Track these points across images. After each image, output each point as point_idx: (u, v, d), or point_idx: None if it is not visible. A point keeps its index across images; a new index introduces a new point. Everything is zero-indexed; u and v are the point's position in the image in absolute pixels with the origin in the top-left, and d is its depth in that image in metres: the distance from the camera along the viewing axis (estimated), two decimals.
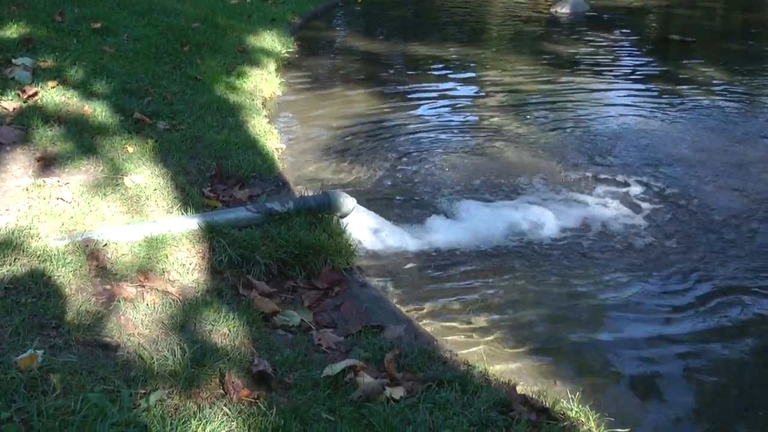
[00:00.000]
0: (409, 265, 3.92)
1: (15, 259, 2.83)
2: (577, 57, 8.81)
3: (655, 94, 7.36)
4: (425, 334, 3.15)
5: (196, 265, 3.19)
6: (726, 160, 5.49)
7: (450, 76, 7.92)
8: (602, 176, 5.10)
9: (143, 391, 2.25)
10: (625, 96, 7.29)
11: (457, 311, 3.52)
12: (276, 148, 5.11)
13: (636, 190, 4.87)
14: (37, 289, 2.68)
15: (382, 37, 10.28)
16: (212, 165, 4.31)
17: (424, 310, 3.52)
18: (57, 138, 3.99)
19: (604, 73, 8.19)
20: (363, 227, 4.02)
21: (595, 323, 3.50)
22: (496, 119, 6.41)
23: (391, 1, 12.65)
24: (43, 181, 3.53)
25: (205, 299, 2.95)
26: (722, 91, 7.39)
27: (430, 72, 8.04)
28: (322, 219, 3.72)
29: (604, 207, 4.61)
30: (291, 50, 8.29)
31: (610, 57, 8.95)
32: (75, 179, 3.63)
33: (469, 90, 7.55)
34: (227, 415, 2.26)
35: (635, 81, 7.95)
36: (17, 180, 3.54)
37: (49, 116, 4.20)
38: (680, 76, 8.05)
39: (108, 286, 2.84)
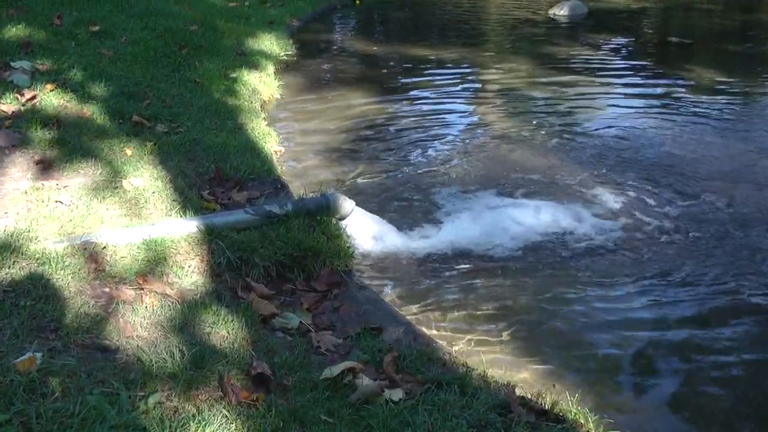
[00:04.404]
0: (407, 267, 3.92)
1: (14, 262, 2.82)
2: (576, 59, 8.82)
3: (654, 96, 7.37)
4: (424, 336, 3.16)
5: (194, 267, 3.19)
6: (726, 161, 5.49)
7: (449, 78, 7.92)
8: (602, 178, 5.10)
9: (142, 394, 2.25)
10: (623, 98, 7.29)
11: (456, 313, 3.52)
12: (275, 151, 5.11)
13: (636, 192, 4.87)
14: (36, 292, 2.68)
15: (381, 40, 10.30)
16: (211, 167, 4.31)
17: (423, 312, 3.52)
18: (55, 141, 3.99)
19: (603, 75, 8.19)
20: (362, 229, 4.02)
21: (595, 325, 3.50)
22: (495, 121, 6.42)
23: (390, 4, 12.66)
24: (42, 184, 3.53)
25: (203, 301, 2.95)
26: (721, 93, 7.39)
27: (428, 74, 8.05)
28: (321, 221, 3.73)
29: (604, 209, 4.61)
30: (289, 53, 8.30)
31: (609, 59, 8.95)
32: (74, 182, 3.63)
33: (469, 92, 7.56)
34: (226, 417, 2.26)
35: (633, 83, 7.95)
36: (16, 183, 3.54)
37: (47, 119, 4.20)
38: (679, 78, 8.06)
39: (107, 289, 2.84)
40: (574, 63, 8.64)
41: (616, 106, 7.01)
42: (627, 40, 10.24)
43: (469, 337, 3.34)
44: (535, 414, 2.55)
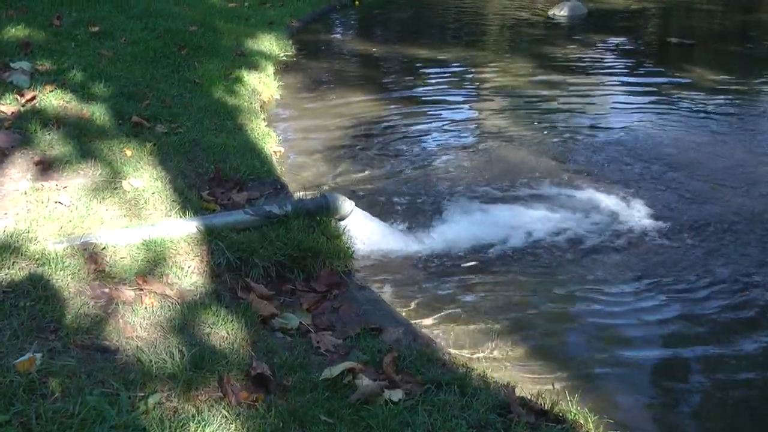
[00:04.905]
0: (407, 268, 3.92)
1: (14, 262, 2.83)
2: (576, 60, 8.82)
3: (654, 96, 7.36)
4: (424, 336, 3.16)
5: (194, 268, 3.19)
6: (726, 162, 5.49)
7: (449, 78, 7.93)
8: (603, 179, 5.10)
9: (142, 394, 2.25)
10: (624, 99, 7.30)
11: (456, 313, 3.52)
12: (274, 151, 5.12)
13: (636, 193, 4.87)
14: (36, 293, 2.68)
15: (381, 40, 10.30)
16: (211, 168, 4.31)
17: (423, 312, 3.52)
18: (55, 142, 4.00)
19: (603, 75, 8.20)
20: (361, 230, 4.02)
21: (594, 325, 3.50)
22: (494, 121, 6.42)
23: (390, 4, 12.66)
24: (42, 184, 3.53)
25: (203, 302, 2.95)
26: (722, 94, 7.39)
27: (428, 74, 8.05)
28: (321, 222, 3.73)
29: (604, 210, 4.61)
30: (289, 53, 8.30)
31: (609, 60, 8.96)
32: (73, 183, 3.63)
33: (468, 92, 7.56)
34: (226, 417, 2.26)
35: (634, 83, 7.96)
36: (16, 184, 3.54)
37: (47, 120, 4.20)
38: (679, 78, 8.06)
39: (107, 290, 2.84)
40: (574, 63, 8.64)
41: (616, 106, 7.02)
42: (627, 40, 10.23)
43: (468, 337, 3.34)
44: (535, 414, 2.55)
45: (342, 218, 3.87)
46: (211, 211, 3.76)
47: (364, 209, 4.18)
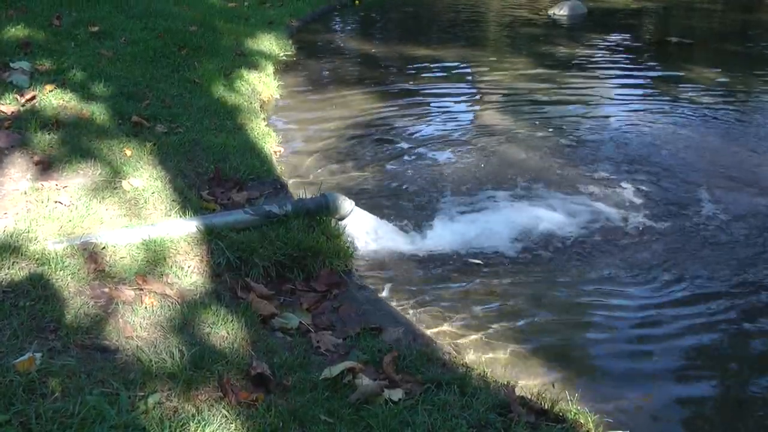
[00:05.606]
0: (407, 267, 3.92)
1: (13, 262, 2.83)
2: (576, 59, 8.82)
3: (654, 96, 7.36)
4: (424, 336, 3.16)
5: (194, 267, 3.19)
6: (726, 161, 5.48)
7: (449, 78, 7.93)
8: (602, 178, 5.10)
9: (142, 394, 2.26)
10: (623, 98, 7.29)
11: (456, 313, 3.52)
12: (274, 151, 5.12)
13: (637, 192, 4.86)
14: (36, 293, 2.69)
15: (380, 40, 10.30)
16: (210, 168, 4.31)
17: (423, 312, 3.51)
18: (55, 141, 4.00)
19: (603, 75, 8.20)
20: (361, 229, 4.02)
21: (594, 325, 3.50)
22: (495, 121, 6.42)
23: (390, 4, 12.66)
24: (42, 184, 3.53)
25: (203, 302, 2.95)
26: (721, 93, 7.39)
27: (428, 74, 8.05)
28: (321, 221, 3.73)
29: (604, 209, 4.61)
30: (289, 53, 8.29)
31: (609, 59, 8.95)
32: (73, 182, 3.63)
33: (469, 92, 7.56)
34: (226, 417, 2.26)
35: (633, 83, 7.96)
36: (15, 184, 3.54)
37: (47, 120, 4.20)
38: (679, 78, 8.06)
39: (106, 289, 2.84)
40: (574, 62, 8.64)
41: (616, 105, 7.01)
42: (627, 39, 10.23)
43: (468, 336, 3.34)
44: (535, 414, 2.55)
45: (342, 218, 3.87)
46: (211, 210, 3.76)
47: (364, 208, 4.18)
